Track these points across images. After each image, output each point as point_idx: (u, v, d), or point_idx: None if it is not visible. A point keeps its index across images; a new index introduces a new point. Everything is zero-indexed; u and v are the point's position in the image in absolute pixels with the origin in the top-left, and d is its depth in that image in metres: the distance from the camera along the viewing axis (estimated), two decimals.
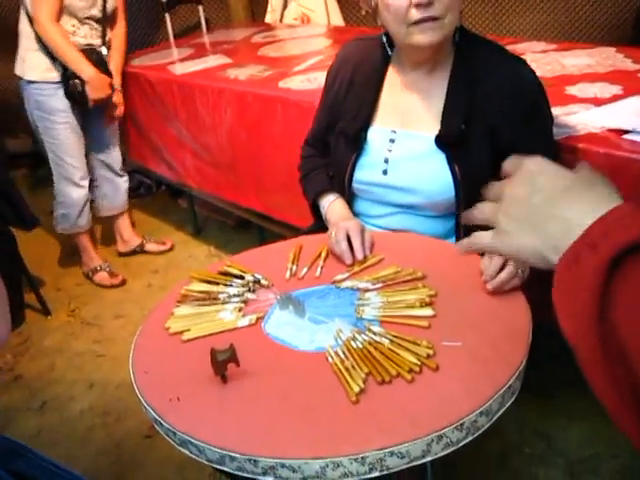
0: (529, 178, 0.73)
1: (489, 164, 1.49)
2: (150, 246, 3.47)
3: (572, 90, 1.98)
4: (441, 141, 1.53)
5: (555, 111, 1.82)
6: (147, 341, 1.32)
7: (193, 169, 3.03)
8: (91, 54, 2.86)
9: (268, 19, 3.96)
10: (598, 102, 1.88)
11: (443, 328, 1.22)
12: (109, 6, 2.92)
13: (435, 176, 1.55)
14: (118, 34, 3.07)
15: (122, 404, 2.43)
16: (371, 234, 1.57)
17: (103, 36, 2.94)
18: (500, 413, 1.08)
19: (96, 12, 2.87)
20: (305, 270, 1.48)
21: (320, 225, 1.76)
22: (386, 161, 1.61)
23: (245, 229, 3.49)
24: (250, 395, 1.12)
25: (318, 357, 1.19)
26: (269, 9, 3.96)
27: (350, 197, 1.71)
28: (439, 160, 1.54)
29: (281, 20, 3.87)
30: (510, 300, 1.29)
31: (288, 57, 2.94)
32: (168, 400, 1.13)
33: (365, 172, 1.64)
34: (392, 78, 1.63)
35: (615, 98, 1.89)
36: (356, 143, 1.63)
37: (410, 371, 1.11)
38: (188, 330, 1.30)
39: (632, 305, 0.55)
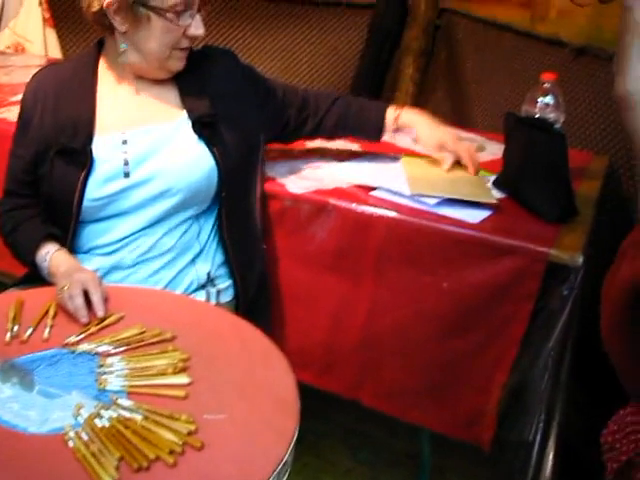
0: None
1: (241, 148, 1.59)
2: None
3: (313, 144, 1.97)
4: (196, 124, 1.55)
5: (299, 164, 1.81)
6: None
7: None
8: None
9: None
10: (340, 158, 1.88)
11: (203, 398, 1.08)
12: None
13: (194, 159, 1.54)
14: None
15: None
16: (107, 288, 1.38)
17: None
18: None
19: None
20: (30, 331, 1.24)
21: (37, 278, 1.53)
22: (126, 163, 1.52)
23: None
24: None
25: (55, 441, 0.97)
26: None
27: (76, 226, 1.54)
28: (192, 144, 1.55)
29: None
30: (272, 363, 1.18)
31: (1, 85, 2.64)
32: None
33: (103, 187, 1.52)
34: (106, 89, 1.59)
35: (355, 155, 1.91)
36: (83, 158, 1.51)
37: (171, 452, 0.95)
38: None
39: None
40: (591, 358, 1.46)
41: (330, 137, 1.88)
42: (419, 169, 1.80)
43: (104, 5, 1.45)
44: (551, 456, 1.51)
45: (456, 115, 3.45)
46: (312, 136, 1.86)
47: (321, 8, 4.08)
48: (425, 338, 1.63)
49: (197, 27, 1.51)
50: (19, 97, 2.35)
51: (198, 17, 1.51)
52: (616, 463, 1.15)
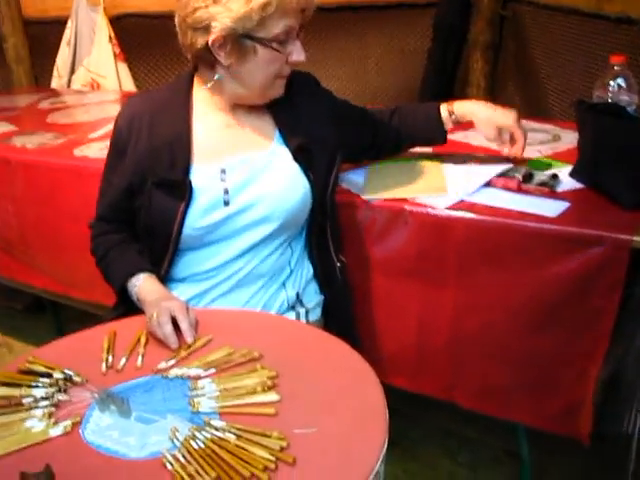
0: None
1: (328, 170, 1.61)
2: None
3: None
4: (296, 151, 1.57)
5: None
6: None
7: None
8: None
9: (54, 84, 3.72)
10: None
11: (292, 414, 1.10)
12: None
13: (291, 184, 1.56)
14: None
15: None
16: (195, 312, 1.42)
17: None
18: None
19: None
20: (124, 360, 1.29)
21: (126, 308, 1.58)
22: (226, 192, 1.53)
23: (37, 313, 3.15)
24: None
25: (154, 465, 1.00)
26: (55, 74, 3.72)
27: (174, 255, 1.57)
28: (290, 170, 1.57)
29: (69, 86, 3.65)
30: (358, 374, 1.19)
31: (80, 123, 2.74)
32: None
33: (204, 217, 1.53)
34: (200, 118, 1.60)
35: None
36: (182, 190, 1.51)
37: (265, 469, 0.97)
38: None
39: None
40: None
41: (396, 152, 1.87)
42: (380, 175, 1.81)
43: (210, 42, 1.45)
44: None
45: (530, 106, 3.39)
46: (378, 156, 1.86)
47: (383, 12, 4.09)
48: (514, 335, 1.61)
49: (299, 53, 1.50)
50: (98, 134, 2.49)
51: (298, 43, 1.50)
52: None
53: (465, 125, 1.80)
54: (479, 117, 1.73)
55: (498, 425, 1.86)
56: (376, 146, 1.80)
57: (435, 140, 1.81)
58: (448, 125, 1.76)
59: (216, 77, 1.52)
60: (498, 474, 2.07)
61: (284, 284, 1.63)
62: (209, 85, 1.55)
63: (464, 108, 1.75)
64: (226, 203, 1.54)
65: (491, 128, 1.72)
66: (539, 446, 1.92)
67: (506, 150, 1.75)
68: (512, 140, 1.73)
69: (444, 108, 1.76)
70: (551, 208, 1.54)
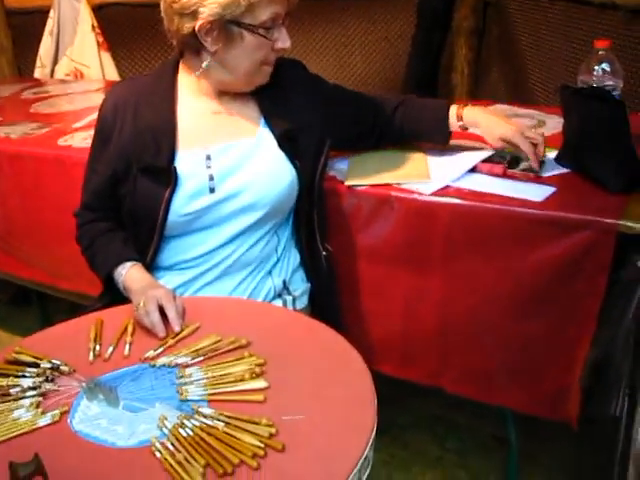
0: None
1: (315, 158, 1.61)
2: None
3: None
4: (282, 138, 1.57)
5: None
6: None
7: None
8: None
9: (37, 74, 3.69)
10: None
11: (280, 400, 1.10)
12: None
13: (277, 171, 1.56)
14: None
15: None
16: (182, 300, 1.42)
17: None
18: None
19: None
20: (111, 349, 1.29)
21: (112, 297, 1.58)
22: (211, 178, 1.53)
23: (22, 304, 3.13)
24: None
25: (143, 453, 1.00)
26: (38, 64, 3.68)
27: (159, 242, 1.56)
28: (275, 158, 1.57)
29: (52, 76, 3.62)
30: (346, 361, 1.19)
31: (64, 113, 2.72)
32: None
33: (189, 204, 1.53)
34: (185, 104, 1.59)
35: None
36: (167, 176, 1.51)
37: (254, 456, 0.97)
38: None
39: None
40: None
41: (397, 144, 1.83)
42: (363, 162, 1.80)
43: (196, 28, 1.44)
44: None
45: (515, 92, 3.39)
46: (378, 145, 1.82)
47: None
48: (500, 320, 1.61)
49: (284, 40, 1.50)
50: (82, 123, 2.47)
51: (284, 30, 1.50)
52: None
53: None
54: (485, 128, 1.68)
55: (487, 411, 1.87)
56: (376, 134, 1.77)
57: (436, 140, 1.77)
58: (453, 128, 1.72)
59: (204, 65, 1.51)
60: (487, 460, 2.08)
61: (270, 272, 1.63)
62: (197, 73, 1.55)
63: (473, 117, 1.70)
64: (212, 190, 1.53)
65: (495, 139, 1.67)
66: (528, 432, 1.93)
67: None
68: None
69: (453, 111, 1.71)
70: (537, 193, 1.54)
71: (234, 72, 1.53)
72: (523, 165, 1.66)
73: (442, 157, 1.76)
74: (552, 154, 1.71)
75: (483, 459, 2.09)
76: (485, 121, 1.68)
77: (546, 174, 1.64)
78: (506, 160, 1.67)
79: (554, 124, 1.96)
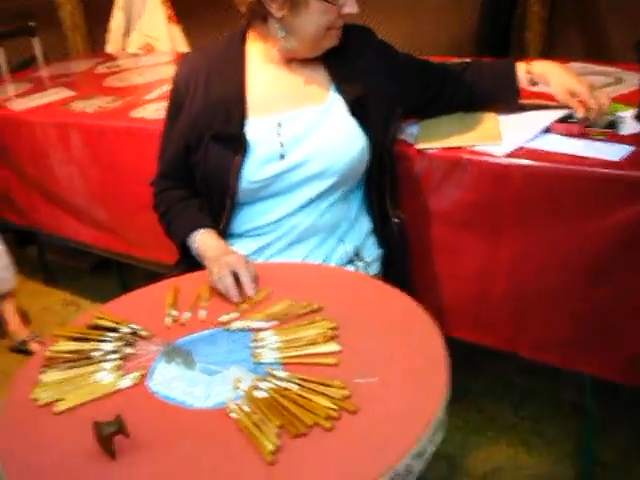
0: None
1: (385, 124, 1.60)
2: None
3: None
4: (353, 104, 1.56)
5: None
6: (11, 419, 1.10)
7: (43, 211, 2.76)
8: None
9: (109, 49, 3.76)
10: None
11: (353, 364, 1.10)
12: None
13: (347, 139, 1.55)
14: None
15: None
16: (255, 266, 1.44)
17: None
18: (431, 452, 0.97)
19: None
20: (188, 314, 1.32)
21: (188, 264, 1.60)
22: (282, 145, 1.54)
23: (102, 272, 3.23)
24: (146, 470, 0.94)
25: (219, 414, 1.03)
26: (109, 39, 3.75)
27: (232, 210, 1.58)
28: (346, 124, 1.56)
29: (123, 50, 3.68)
30: (419, 325, 1.19)
31: (136, 86, 2.77)
32: None
33: (260, 170, 1.54)
34: (255, 72, 1.60)
35: None
36: (238, 143, 1.53)
37: (328, 418, 0.98)
38: (61, 400, 1.10)
39: None
40: None
41: (467, 108, 1.78)
42: (433, 125, 1.77)
43: None
44: None
45: (592, 50, 3.27)
46: (448, 110, 1.78)
47: None
48: (575, 284, 1.57)
49: (352, 5, 1.50)
50: (153, 95, 2.51)
51: None
52: None
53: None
54: (553, 81, 1.64)
55: (563, 377, 1.83)
56: (445, 99, 1.74)
57: (505, 97, 1.73)
58: (523, 84, 1.69)
59: (280, 34, 1.52)
60: (562, 427, 2.05)
61: (342, 239, 1.63)
62: (267, 40, 1.55)
63: (541, 70, 1.66)
64: (282, 156, 1.54)
65: (563, 91, 1.61)
66: (606, 400, 1.89)
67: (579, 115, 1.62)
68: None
69: (522, 67, 1.68)
70: (614, 152, 1.49)
71: (301, 38, 1.52)
72: (600, 123, 1.60)
73: (514, 118, 1.72)
74: (631, 112, 1.64)
75: (558, 426, 2.05)
76: (554, 73, 1.65)
77: (624, 132, 1.58)
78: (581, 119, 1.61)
79: (633, 81, 1.89)
